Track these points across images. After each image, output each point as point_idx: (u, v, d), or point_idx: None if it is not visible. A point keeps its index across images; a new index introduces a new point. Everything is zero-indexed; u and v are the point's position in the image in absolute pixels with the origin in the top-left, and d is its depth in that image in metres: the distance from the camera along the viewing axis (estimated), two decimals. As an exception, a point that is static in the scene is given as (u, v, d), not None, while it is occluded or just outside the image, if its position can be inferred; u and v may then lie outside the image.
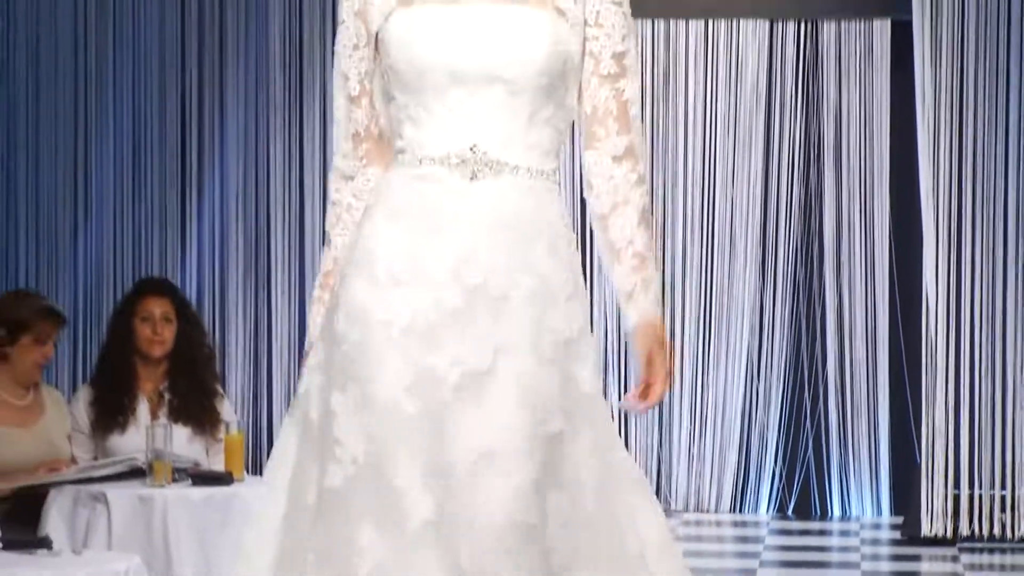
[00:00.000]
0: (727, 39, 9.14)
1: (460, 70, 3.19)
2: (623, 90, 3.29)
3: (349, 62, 3.28)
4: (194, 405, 6.57)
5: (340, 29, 3.31)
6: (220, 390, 6.77)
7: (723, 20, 9.11)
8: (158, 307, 6.70)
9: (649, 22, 9.24)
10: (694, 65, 9.16)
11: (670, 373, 3.29)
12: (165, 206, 9.16)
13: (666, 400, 6.86)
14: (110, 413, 6.59)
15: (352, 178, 3.31)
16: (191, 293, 8.80)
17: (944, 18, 8.47)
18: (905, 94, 8.74)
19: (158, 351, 6.63)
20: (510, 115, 3.21)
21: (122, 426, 6.55)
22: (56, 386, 7.39)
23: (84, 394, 6.66)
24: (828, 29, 9.12)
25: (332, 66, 3.42)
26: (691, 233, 9.13)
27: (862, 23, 9.07)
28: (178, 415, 6.51)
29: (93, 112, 9.11)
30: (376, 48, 3.26)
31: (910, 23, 8.51)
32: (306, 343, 3.30)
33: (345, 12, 3.28)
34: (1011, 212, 8.53)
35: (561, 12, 3.24)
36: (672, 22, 9.14)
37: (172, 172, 9.15)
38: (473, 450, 3.08)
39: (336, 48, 3.32)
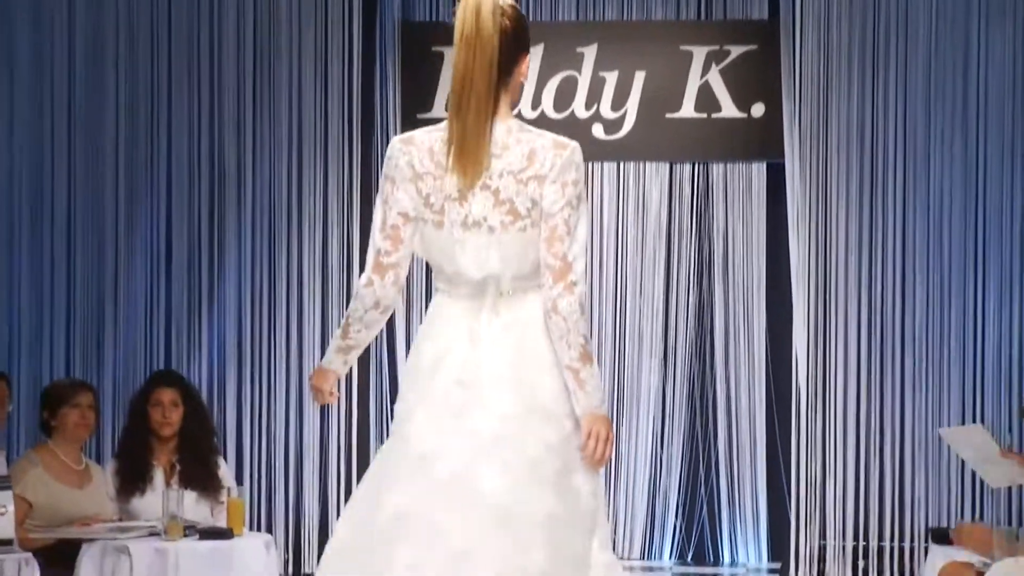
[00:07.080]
0: (636, 178, 9.48)
1: None
2: None
3: None
4: (200, 474, 6.97)
5: None
6: (221, 462, 7.15)
7: (632, 163, 9.48)
8: (167, 395, 7.12)
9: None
10: (609, 199, 9.47)
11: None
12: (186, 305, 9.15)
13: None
14: (131, 481, 7.02)
15: None
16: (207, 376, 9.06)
17: (808, 161, 9.02)
18: (779, 221, 9.24)
19: (167, 431, 7.08)
20: None
21: (142, 491, 6.99)
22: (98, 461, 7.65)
23: (111, 466, 7.09)
24: (716, 170, 9.46)
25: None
26: (606, 334, 9.39)
27: (744, 165, 9.43)
28: (187, 482, 6.90)
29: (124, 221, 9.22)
30: None
31: (782, 165, 9.10)
32: None
33: None
34: (863, 319, 9.02)
35: None
36: (591, 164, 9.26)
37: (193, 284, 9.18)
38: None
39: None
